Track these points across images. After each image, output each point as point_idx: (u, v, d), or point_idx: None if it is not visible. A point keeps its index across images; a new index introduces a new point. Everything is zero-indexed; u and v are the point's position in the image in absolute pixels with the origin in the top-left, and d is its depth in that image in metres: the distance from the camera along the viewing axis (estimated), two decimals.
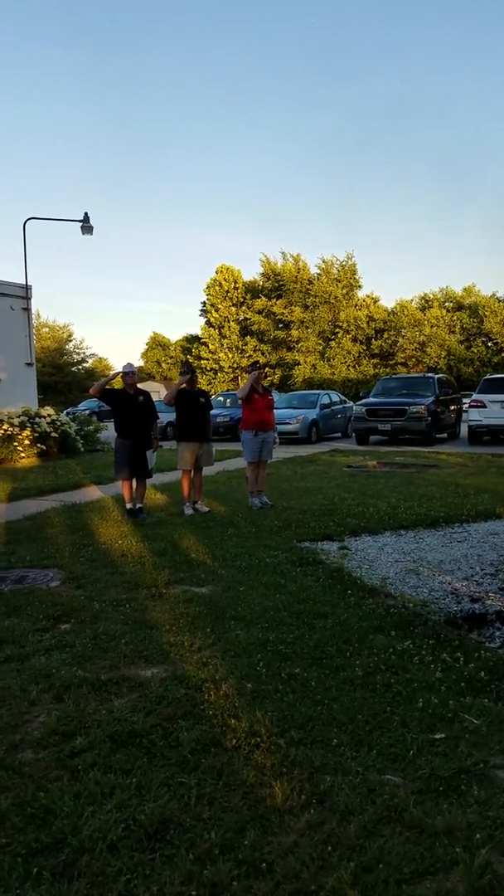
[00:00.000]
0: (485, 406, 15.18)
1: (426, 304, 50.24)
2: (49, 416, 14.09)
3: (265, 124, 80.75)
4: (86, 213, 17.13)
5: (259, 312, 50.37)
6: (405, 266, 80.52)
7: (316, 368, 47.66)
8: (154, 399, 7.72)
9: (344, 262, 50.03)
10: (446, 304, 50.99)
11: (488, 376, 17.11)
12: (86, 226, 17.18)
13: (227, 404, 19.95)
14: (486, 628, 3.73)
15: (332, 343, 48.16)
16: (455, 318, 47.68)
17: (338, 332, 48.21)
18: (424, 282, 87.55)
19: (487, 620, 3.83)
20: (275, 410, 8.23)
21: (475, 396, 15.60)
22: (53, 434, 13.82)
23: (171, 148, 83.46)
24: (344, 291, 49.41)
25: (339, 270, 49.93)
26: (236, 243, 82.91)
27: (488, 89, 74.79)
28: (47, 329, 53.09)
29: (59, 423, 14.12)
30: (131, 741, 2.54)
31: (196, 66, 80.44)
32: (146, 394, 7.44)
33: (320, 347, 49.06)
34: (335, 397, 20.05)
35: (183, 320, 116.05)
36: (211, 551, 5.49)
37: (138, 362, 60.67)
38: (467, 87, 75.74)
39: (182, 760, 2.41)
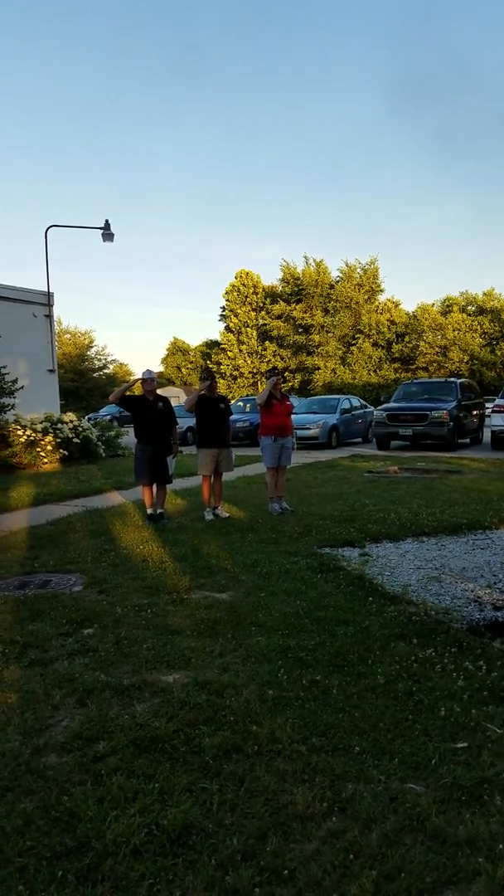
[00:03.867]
0: None
1: (447, 308, 49.87)
2: (71, 421, 14.28)
3: (285, 130, 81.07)
4: (106, 221, 17.37)
5: (279, 317, 50.38)
6: (425, 270, 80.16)
7: (336, 373, 47.50)
8: (174, 405, 7.79)
9: (366, 267, 49.86)
10: (468, 307, 50.55)
11: None
12: (107, 233, 17.41)
13: (247, 409, 20.01)
14: None
15: (353, 348, 47.97)
16: (476, 322, 47.25)
17: (358, 337, 48.02)
18: (445, 286, 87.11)
19: None
20: (295, 415, 8.24)
21: (498, 401, 15.44)
22: (75, 440, 13.99)
23: (192, 153, 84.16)
24: (366, 296, 49.24)
25: (361, 275, 49.77)
26: (257, 249, 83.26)
27: None
28: (69, 335, 53.69)
29: (80, 429, 14.30)
30: (154, 746, 2.56)
31: (215, 71, 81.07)
32: (166, 400, 7.50)
33: (341, 352, 48.90)
34: (356, 402, 19.98)
35: (203, 326, 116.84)
36: (231, 557, 5.51)
37: (158, 368, 61.08)
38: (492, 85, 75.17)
39: (204, 766, 2.43)
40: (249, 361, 50.79)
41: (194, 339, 67.31)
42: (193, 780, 2.34)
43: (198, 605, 4.29)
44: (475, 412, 17.41)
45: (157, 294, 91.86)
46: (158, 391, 7.62)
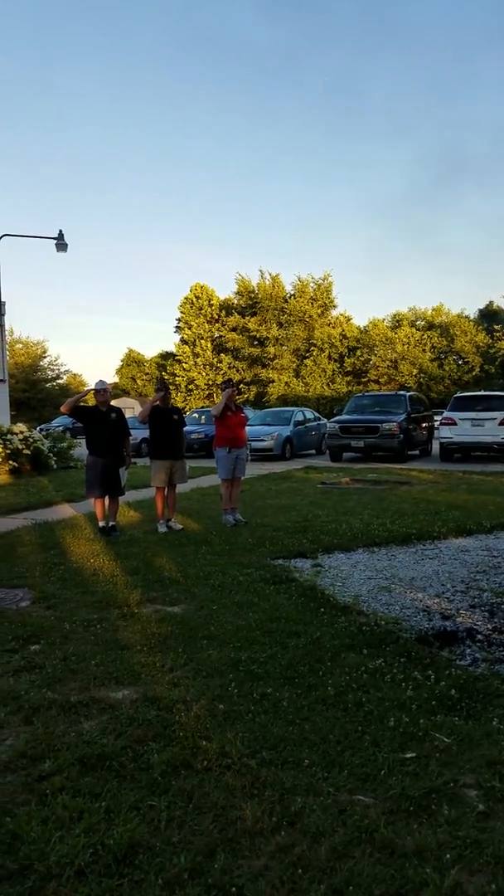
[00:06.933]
0: (455, 424, 15.47)
1: (397, 323, 51.15)
2: (21, 432, 13.93)
3: (242, 143, 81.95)
4: (60, 231, 17.18)
5: (233, 329, 50.61)
6: (373, 286, 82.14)
7: (290, 386, 47.98)
8: (129, 416, 7.70)
9: (320, 282, 50.68)
10: (417, 322, 52.00)
11: (458, 394, 17.48)
12: (60, 243, 17.20)
13: (202, 421, 19.98)
14: (456, 645, 3.76)
15: (307, 361, 48.59)
16: (426, 336, 48.61)
17: (312, 350, 48.67)
18: (393, 301, 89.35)
19: (458, 638, 3.86)
20: (250, 427, 8.27)
21: (446, 414, 15.89)
22: (25, 451, 13.64)
23: (150, 164, 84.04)
24: (319, 311, 50.00)
25: (314, 289, 50.53)
26: (211, 263, 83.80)
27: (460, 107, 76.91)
28: (21, 345, 52.63)
29: (31, 440, 13.95)
30: (101, 764, 2.50)
31: (172, 81, 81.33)
32: (118, 410, 7.41)
33: (295, 365, 49.45)
34: (309, 414, 20.21)
35: (158, 337, 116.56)
36: (184, 569, 5.46)
37: (113, 378, 60.42)
38: (441, 106, 77.91)
39: (152, 783, 2.38)
40: (205, 373, 50.79)
41: (149, 351, 66.90)
42: (141, 797, 2.29)
43: (149, 619, 4.22)
44: (424, 424, 17.85)
45: (111, 305, 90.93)
46: (113, 402, 7.52)
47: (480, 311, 53.61)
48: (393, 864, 1.97)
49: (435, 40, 73.57)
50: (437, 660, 3.49)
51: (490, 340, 47.79)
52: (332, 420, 17.42)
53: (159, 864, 1.97)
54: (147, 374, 59.06)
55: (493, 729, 2.74)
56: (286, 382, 48.31)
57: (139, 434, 13.07)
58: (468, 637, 3.87)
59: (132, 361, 62.01)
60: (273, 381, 48.60)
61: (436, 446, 17.06)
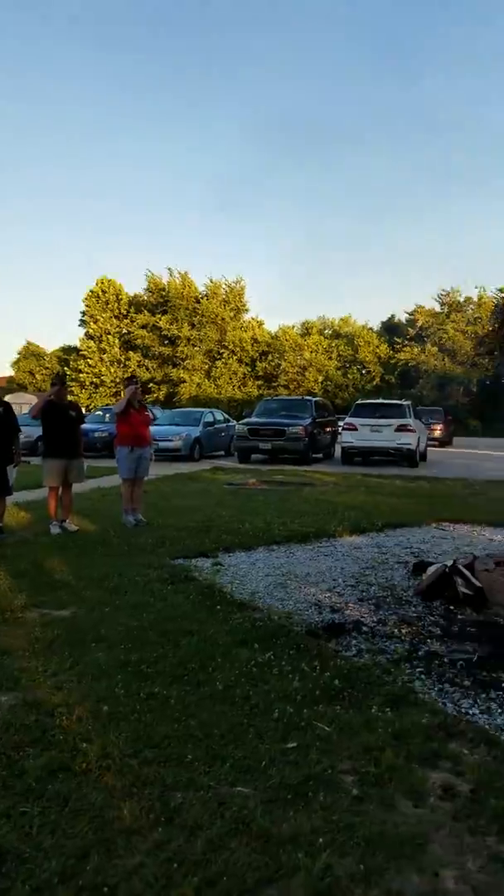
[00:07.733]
0: (356, 429, 16.11)
1: (306, 330, 52.46)
2: None
3: (148, 136, 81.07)
4: None
5: (143, 327, 49.75)
6: (286, 293, 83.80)
7: (202, 387, 47.88)
8: (24, 412, 7.38)
9: (233, 285, 50.93)
10: (325, 331, 53.58)
11: (359, 401, 18.21)
12: None
13: (107, 419, 19.50)
14: (343, 637, 3.88)
15: (219, 363, 48.71)
16: (333, 345, 50.17)
17: (224, 353, 48.85)
18: (302, 310, 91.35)
19: (345, 629, 3.99)
20: (158, 427, 8.16)
21: (348, 420, 16.51)
22: None
23: (45, 158, 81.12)
24: (231, 314, 50.24)
25: (227, 292, 50.72)
26: (118, 260, 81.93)
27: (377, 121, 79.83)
28: None
29: None
30: None
31: (68, 70, 79.04)
32: (7, 405, 7.07)
33: (206, 366, 49.40)
34: (219, 415, 20.29)
35: (60, 330, 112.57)
36: (77, 572, 5.28)
37: (8, 372, 57.49)
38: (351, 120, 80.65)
39: (27, 789, 2.28)
40: (112, 370, 49.54)
41: (50, 344, 64.21)
42: (13, 804, 2.19)
43: (34, 623, 4.04)
44: (328, 429, 18.43)
45: (7, 292, 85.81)
46: (7, 397, 7.17)
47: (383, 323, 55.99)
48: (268, 852, 2.00)
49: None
50: (325, 651, 3.60)
51: (391, 352, 50.02)
52: (240, 422, 17.59)
53: (28, 870, 1.90)
54: (47, 368, 56.50)
55: (372, 717, 2.85)
56: (198, 383, 48.13)
57: (35, 431, 12.58)
58: (355, 629, 4.01)
59: (31, 354, 59.15)
60: (184, 382, 48.27)
61: (339, 450, 17.64)
